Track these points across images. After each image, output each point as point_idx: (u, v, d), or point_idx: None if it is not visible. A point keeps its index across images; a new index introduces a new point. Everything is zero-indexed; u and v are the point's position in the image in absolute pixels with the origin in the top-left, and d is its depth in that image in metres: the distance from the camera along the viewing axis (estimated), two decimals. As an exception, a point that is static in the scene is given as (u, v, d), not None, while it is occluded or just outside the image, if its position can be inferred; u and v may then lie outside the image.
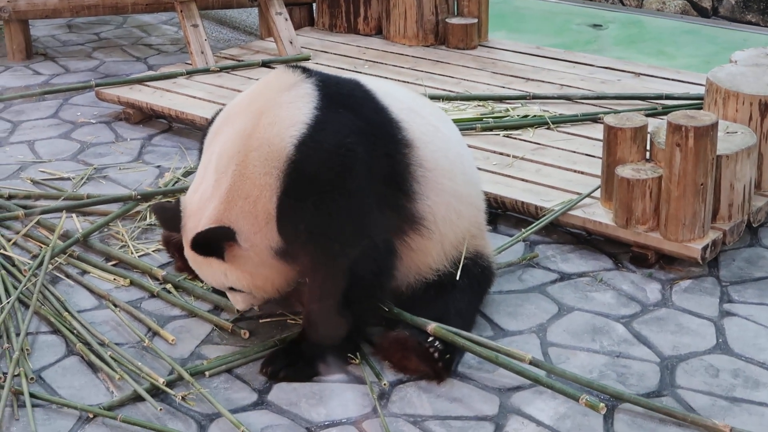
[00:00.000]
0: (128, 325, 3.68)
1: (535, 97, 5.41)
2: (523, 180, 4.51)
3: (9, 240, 4.23)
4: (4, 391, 3.26)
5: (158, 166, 5.04)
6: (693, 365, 3.49)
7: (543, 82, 5.71)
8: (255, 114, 3.36)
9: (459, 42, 6.33)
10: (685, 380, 3.42)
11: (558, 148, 4.81)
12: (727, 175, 4.04)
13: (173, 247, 3.89)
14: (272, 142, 3.30)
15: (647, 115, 4.80)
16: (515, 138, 4.95)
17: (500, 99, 5.41)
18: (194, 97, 5.54)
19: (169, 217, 3.51)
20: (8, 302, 3.71)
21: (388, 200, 3.41)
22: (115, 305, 3.82)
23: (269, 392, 3.37)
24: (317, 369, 3.42)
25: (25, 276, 3.89)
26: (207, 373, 3.43)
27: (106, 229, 4.35)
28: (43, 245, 4.18)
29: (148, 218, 4.38)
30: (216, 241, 3.34)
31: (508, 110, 5.24)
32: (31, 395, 3.30)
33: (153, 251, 4.19)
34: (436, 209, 3.50)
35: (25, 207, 4.47)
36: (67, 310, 3.74)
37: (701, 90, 5.05)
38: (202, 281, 3.73)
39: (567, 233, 4.35)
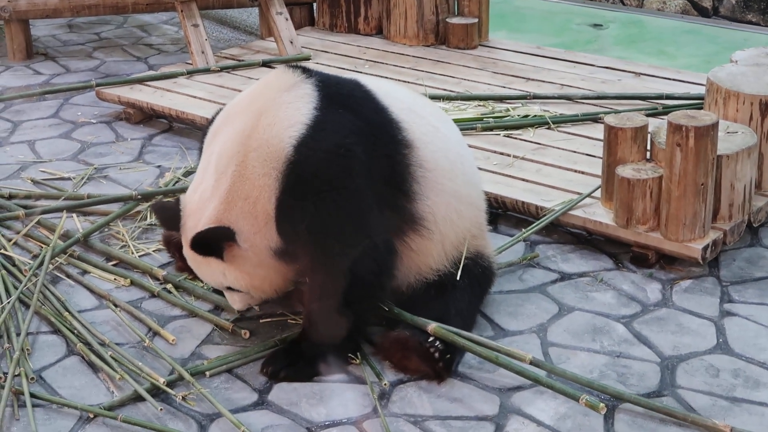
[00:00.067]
0: (129, 325, 3.68)
1: (536, 96, 5.41)
2: (523, 180, 4.51)
3: (9, 240, 4.23)
4: (5, 391, 3.27)
5: (159, 166, 5.04)
6: (693, 365, 3.49)
7: (543, 81, 5.70)
8: (255, 114, 3.36)
9: (459, 42, 6.33)
10: (686, 380, 3.42)
11: (558, 148, 4.81)
12: (727, 175, 4.04)
13: (174, 246, 3.89)
14: (271, 142, 3.30)
15: (648, 115, 4.80)
16: (516, 138, 4.95)
17: (501, 99, 5.41)
18: (195, 97, 5.54)
19: (169, 216, 3.51)
20: (9, 302, 3.71)
21: (387, 201, 3.41)
22: (116, 305, 3.82)
23: (270, 392, 3.37)
24: (318, 369, 3.42)
25: (25, 276, 3.89)
26: (207, 373, 3.43)
27: (106, 229, 4.35)
28: (43, 245, 4.18)
29: (148, 218, 4.38)
30: (215, 241, 3.34)
31: (508, 110, 5.24)
32: (32, 395, 3.30)
33: (153, 251, 4.19)
34: (437, 209, 3.50)
35: (25, 207, 4.47)
36: (67, 310, 3.74)
37: (702, 90, 5.04)
38: (202, 281, 3.73)
39: (567, 233, 4.35)
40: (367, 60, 6.18)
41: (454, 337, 3.38)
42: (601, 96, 5.40)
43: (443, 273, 3.57)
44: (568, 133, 5.00)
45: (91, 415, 3.24)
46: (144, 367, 3.40)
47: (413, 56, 6.21)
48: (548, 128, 5.03)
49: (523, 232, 4.19)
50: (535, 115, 5.15)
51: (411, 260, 3.52)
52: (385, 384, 3.37)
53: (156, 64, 6.49)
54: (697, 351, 3.57)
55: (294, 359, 3.43)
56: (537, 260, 4.14)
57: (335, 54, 6.30)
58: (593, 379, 3.37)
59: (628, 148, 4.12)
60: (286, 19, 6.23)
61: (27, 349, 3.55)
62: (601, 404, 3.13)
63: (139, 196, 4.47)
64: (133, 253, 4.17)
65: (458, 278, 3.57)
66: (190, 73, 5.85)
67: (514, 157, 4.72)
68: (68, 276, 4.03)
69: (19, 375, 3.37)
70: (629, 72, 5.84)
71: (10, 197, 4.61)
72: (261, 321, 3.71)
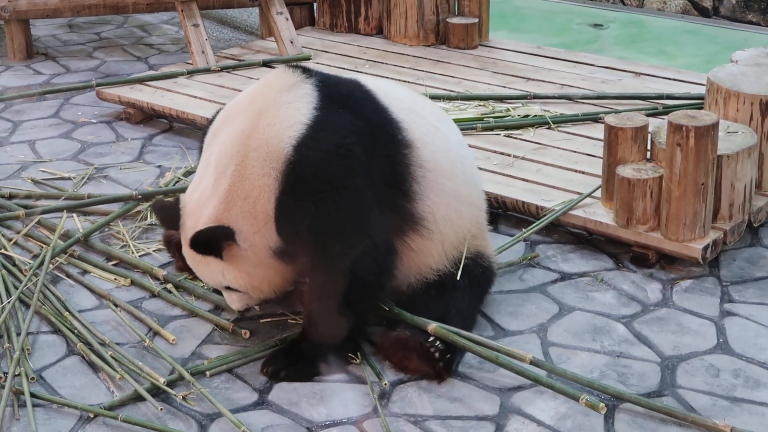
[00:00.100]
0: (129, 324, 3.68)
1: (536, 96, 5.41)
2: (523, 180, 4.51)
3: (10, 240, 4.23)
4: (5, 391, 3.27)
5: (159, 166, 5.04)
6: (694, 365, 3.49)
7: (544, 81, 5.70)
8: (254, 114, 3.36)
9: (460, 42, 6.33)
10: (686, 380, 3.42)
11: (559, 148, 4.81)
12: (727, 174, 4.04)
13: (174, 246, 3.89)
14: (271, 142, 3.30)
15: (648, 115, 4.80)
16: (516, 138, 4.95)
17: (501, 99, 5.41)
18: (195, 97, 5.54)
19: (169, 215, 3.51)
20: (9, 302, 3.71)
21: (387, 201, 3.41)
22: (116, 305, 3.82)
23: (270, 392, 3.37)
24: (318, 369, 3.42)
25: (25, 276, 3.89)
26: (207, 372, 3.43)
27: (106, 229, 4.35)
28: (43, 245, 4.18)
29: (148, 218, 4.38)
30: (215, 240, 3.34)
31: (508, 110, 5.24)
32: (32, 395, 3.30)
33: (154, 251, 4.19)
34: (437, 209, 3.50)
35: (25, 207, 4.47)
36: (67, 309, 3.74)
37: (702, 90, 5.04)
38: (202, 281, 3.73)
39: (568, 233, 4.35)
40: (367, 60, 6.17)
41: (455, 337, 3.38)
42: (602, 96, 5.40)
43: (443, 273, 3.57)
44: (569, 133, 5.00)
45: (92, 415, 3.24)
46: (144, 367, 3.39)
47: (413, 56, 6.21)
48: (548, 128, 5.03)
49: (524, 232, 4.19)
50: (536, 115, 5.15)
51: (411, 260, 3.52)
52: (385, 384, 3.37)
53: (156, 64, 6.49)
54: (698, 351, 3.57)
55: (294, 359, 3.43)
56: (537, 260, 4.13)
57: (335, 54, 6.30)
58: (593, 379, 3.37)
59: (629, 148, 4.12)
60: (287, 19, 6.23)
61: (27, 349, 3.55)
62: (602, 404, 3.13)
63: (139, 196, 4.47)
64: (133, 252, 4.17)
65: (458, 278, 3.57)
66: (191, 73, 5.85)
67: (515, 157, 4.72)
68: (68, 276, 4.03)
69: (19, 375, 3.37)
70: (629, 72, 5.84)
71: (11, 197, 4.61)
72: (261, 321, 3.71)
